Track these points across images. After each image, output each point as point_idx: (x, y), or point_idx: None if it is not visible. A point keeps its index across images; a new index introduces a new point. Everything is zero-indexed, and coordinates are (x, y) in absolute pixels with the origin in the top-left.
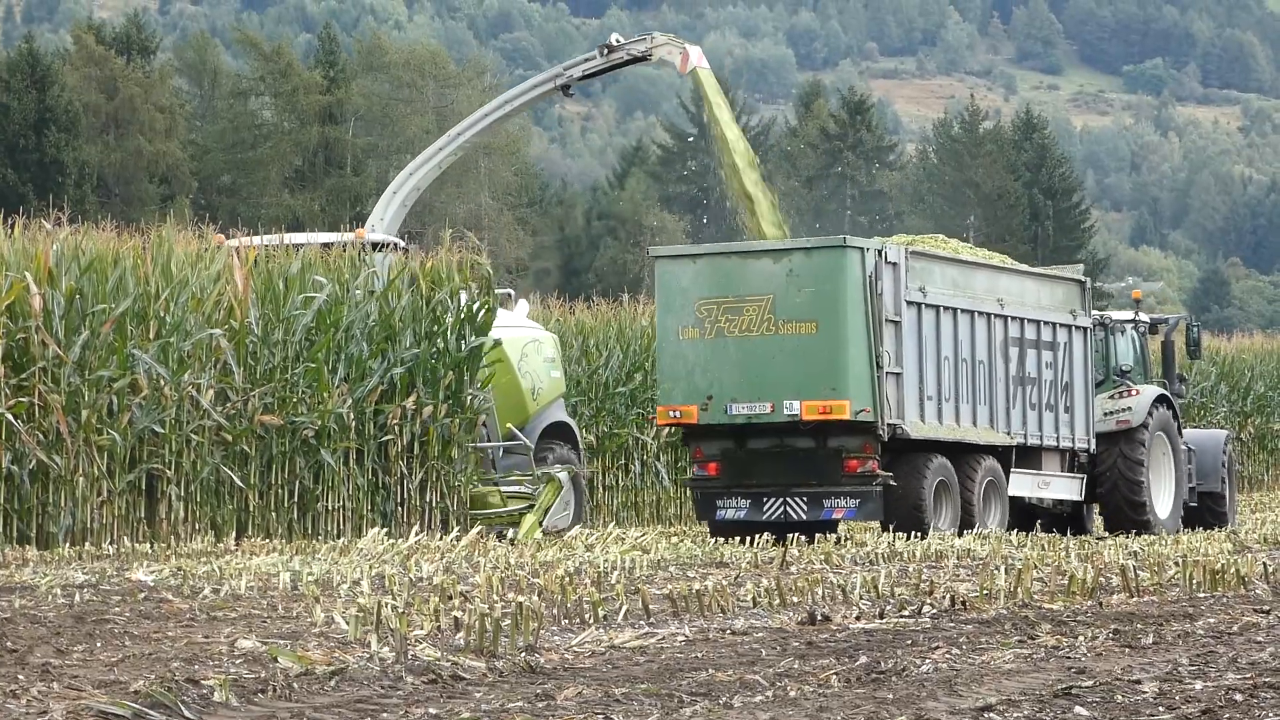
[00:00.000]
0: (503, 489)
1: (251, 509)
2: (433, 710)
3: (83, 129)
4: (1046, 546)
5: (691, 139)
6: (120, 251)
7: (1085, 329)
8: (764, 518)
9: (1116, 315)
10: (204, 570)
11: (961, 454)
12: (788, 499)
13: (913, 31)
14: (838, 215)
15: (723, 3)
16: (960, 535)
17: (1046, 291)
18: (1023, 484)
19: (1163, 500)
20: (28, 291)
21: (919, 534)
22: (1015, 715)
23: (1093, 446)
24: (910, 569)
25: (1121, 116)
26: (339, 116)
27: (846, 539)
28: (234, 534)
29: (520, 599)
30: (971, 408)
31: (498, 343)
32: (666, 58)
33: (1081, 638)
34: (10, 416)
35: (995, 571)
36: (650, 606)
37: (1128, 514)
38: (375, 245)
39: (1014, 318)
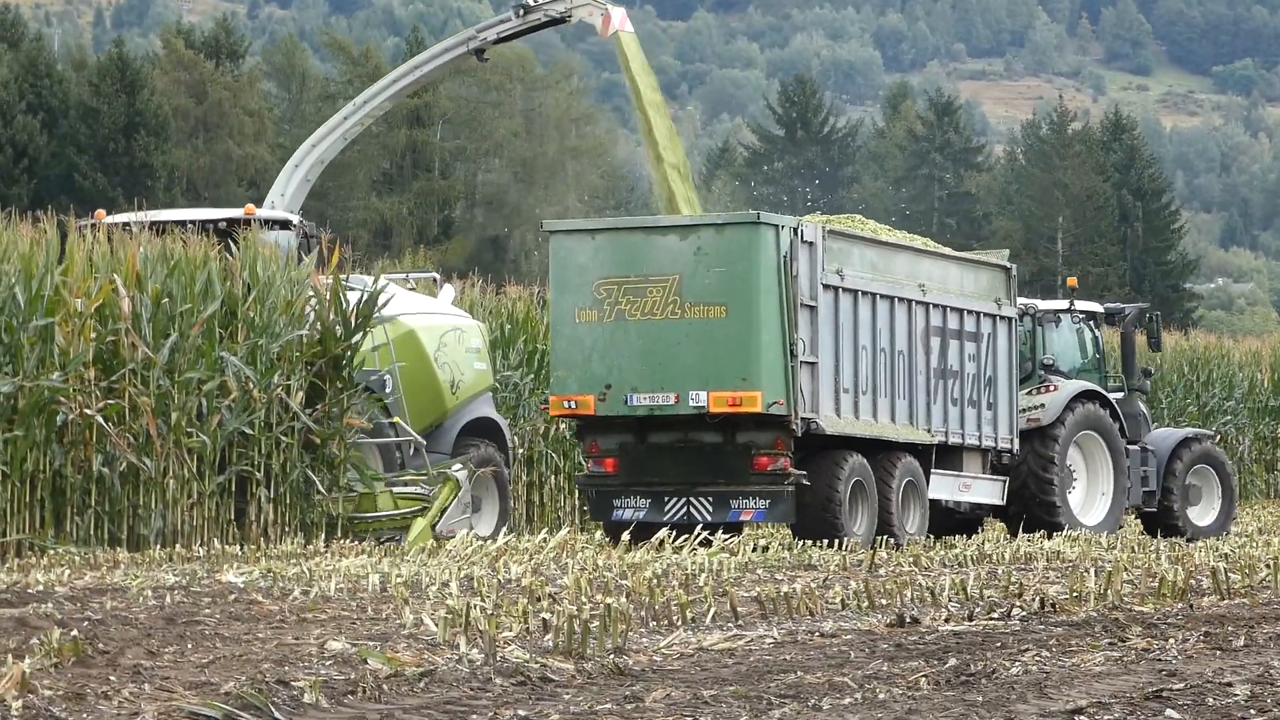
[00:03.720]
0: (396, 490)
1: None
2: (521, 712)
3: (172, 133)
4: (1137, 548)
5: (779, 140)
6: (207, 253)
7: (1010, 319)
8: (665, 519)
9: (1045, 305)
10: (294, 572)
11: (879, 452)
12: (691, 499)
13: (1001, 32)
14: (925, 217)
15: (810, 4)
16: (876, 541)
17: (970, 278)
18: (943, 486)
19: (1095, 505)
20: (116, 294)
21: (831, 540)
22: (1105, 718)
23: (1016, 447)
24: (999, 571)
25: (1211, 117)
26: (427, 120)
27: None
28: (323, 536)
29: (608, 601)
30: (890, 402)
31: (410, 331)
32: (586, 19)
33: (1172, 640)
34: (101, 419)
35: (1085, 574)
36: (738, 609)
37: (1040, 516)
38: (268, 223)
39: (936, 305)
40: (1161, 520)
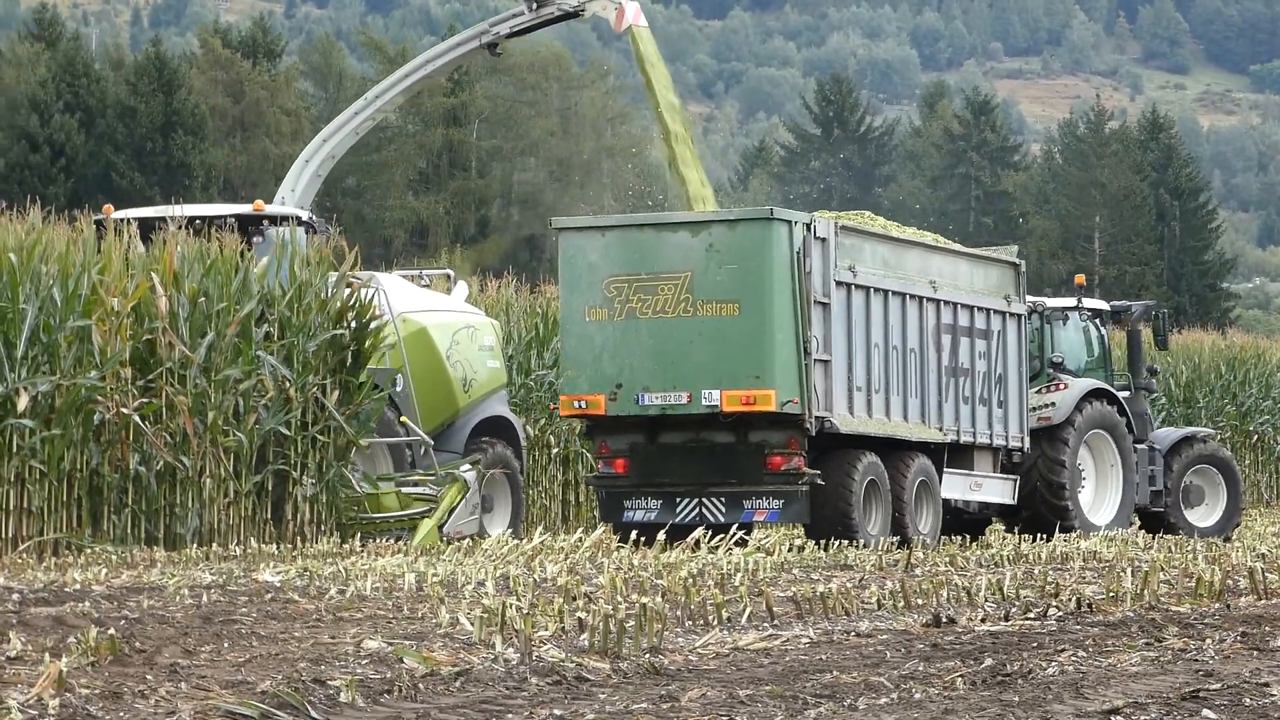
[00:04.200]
0: (404, 490)
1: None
2: (557, 711)
3: (209, 132)
4: (1173, 548)
5: (815, 139)
6: (243, 252)
7: (1020, 316)
8: (676, 520)
9: (1053, 302)
10: (330, 571)
11: (892, 452)
12: (703, 499)
13: (1038, 31)
14: (962, 216)
15: (846, 3)
16: (892, 541)
17: (980, 274)
18: (955, 485)
19: (1104, 504)
20: (153, 293)
21: (845, 540)
22: (1142, 718)
23: (1026, 445)
24: (1036, 571)
25: (1249, 116)
26: (463, 119)
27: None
28: (358, 535)
29: (644, 600)
30: (902, 400)
31: (422, 329)
32: (600, 13)
33: (1209, 640)
34: (138, 418)
35: (1122, 574)
36: (774, 608)
37: (1050, 517)
38: (274, 219)
39: (947, 302)
40: (1162, 520)
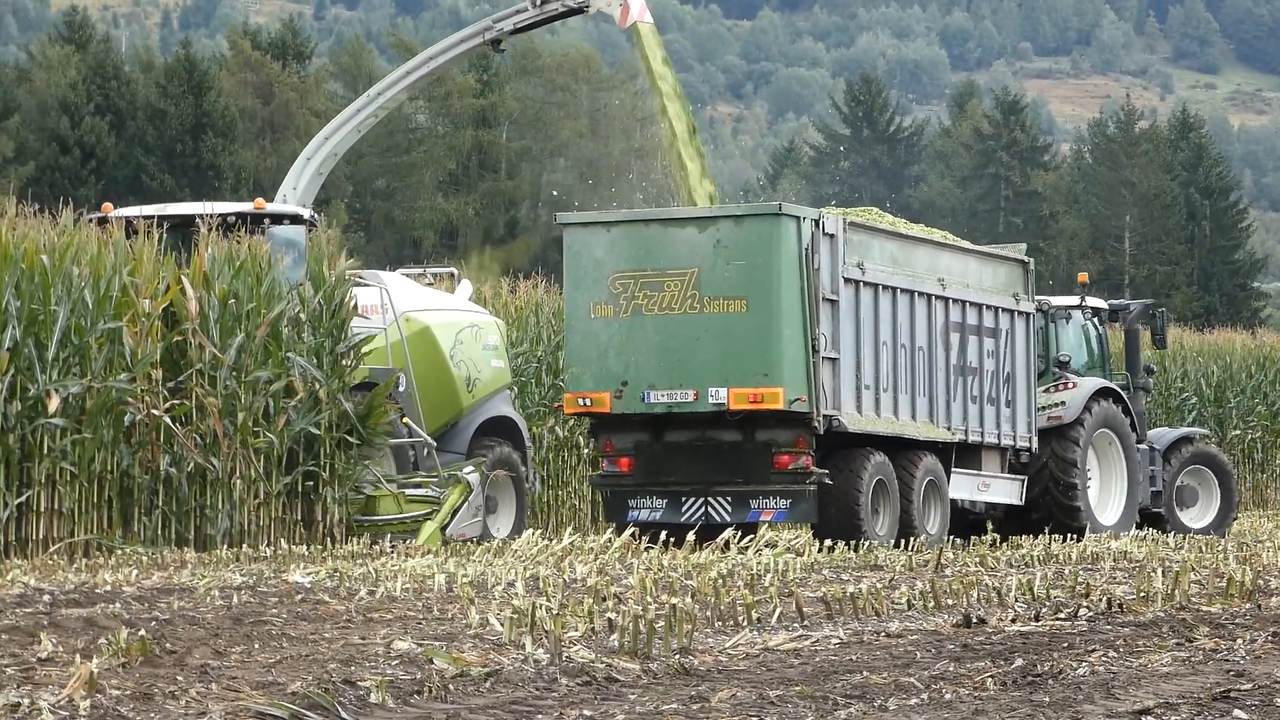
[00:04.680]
0: (407, 493)
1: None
2: (587, 712)
3: (239, 134)
4: (1204, 549)
5: (845, 139)
6: (272, 254)
7: (1028, 315)
8: (682, 520)
9: (1058, 301)
10: (360, 572)
11: (900, 451)
12: (710, 499)
13: (1067, 31)
14: (992, 216)
15: (875, 3)
16: (899, 543)
17: (989, 272)
18: (963, 485)
19: (1110, 504)
20: (184, 295)
21: (853, 541)
22: (1173, 719)
23: (1034, 445)
24: (1066, 571)
25: (1279, 115)
26: (493, 120)
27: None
28: (387, 536)
29: (674, 601)
30: (911, 399)
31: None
32: (605, 9)
33: (1240, 640)
34: (168, 419)
35: (1152, 574)
36: (804, 609)
37: (1060, 518)
38: (275, 218)
39: (955, 300)
40: (1161, 521)
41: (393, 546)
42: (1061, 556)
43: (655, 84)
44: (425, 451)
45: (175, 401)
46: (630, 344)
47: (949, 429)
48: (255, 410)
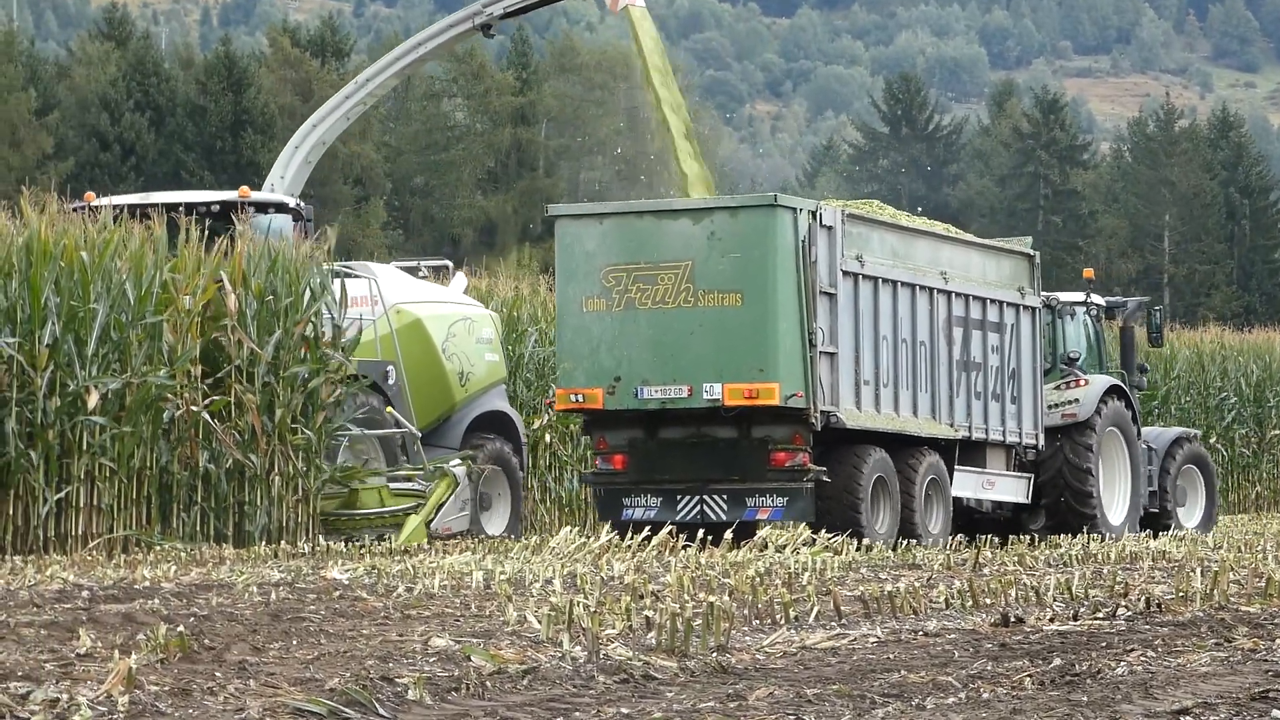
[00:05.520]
0: (391, 487)
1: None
2: (624, 710)
3: (278, 130)
4: (1243, 548)
5: (883, 137)
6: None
7: (1034, 309)
8: (677, 518)
9: (1065, 296)
10: (398, 569)
11: (901, 448)
12: (705, 497)
13: (1107, 30)
14: (1031, 215)
15: (915, 1)
16: (900, 541)
17: (993, 265)
18: (966, 483)
19: (1116, 503)
20: (222, 292)
21: (852, 539)
22: (1211, 719)
23: (1041, 442)
24: (1104, 571)
25: None
26: (531, 118)
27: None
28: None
29: (711, 599)
30: (912, 395)
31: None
32: None
33: (1279, 640)
34: (207, 415)
35: (1191, 573)
36: (842, 607)
37: (1074, 517)
38: (260, 206)
39: (958, 294)
40: (1157, 519)
41: (429, 542)
42: (1100, 556)
43: (646, 69)
44: (412, 444)
45: (214, 398)
46: (623, 339)
47: (952, 426)
48: (294, 407)
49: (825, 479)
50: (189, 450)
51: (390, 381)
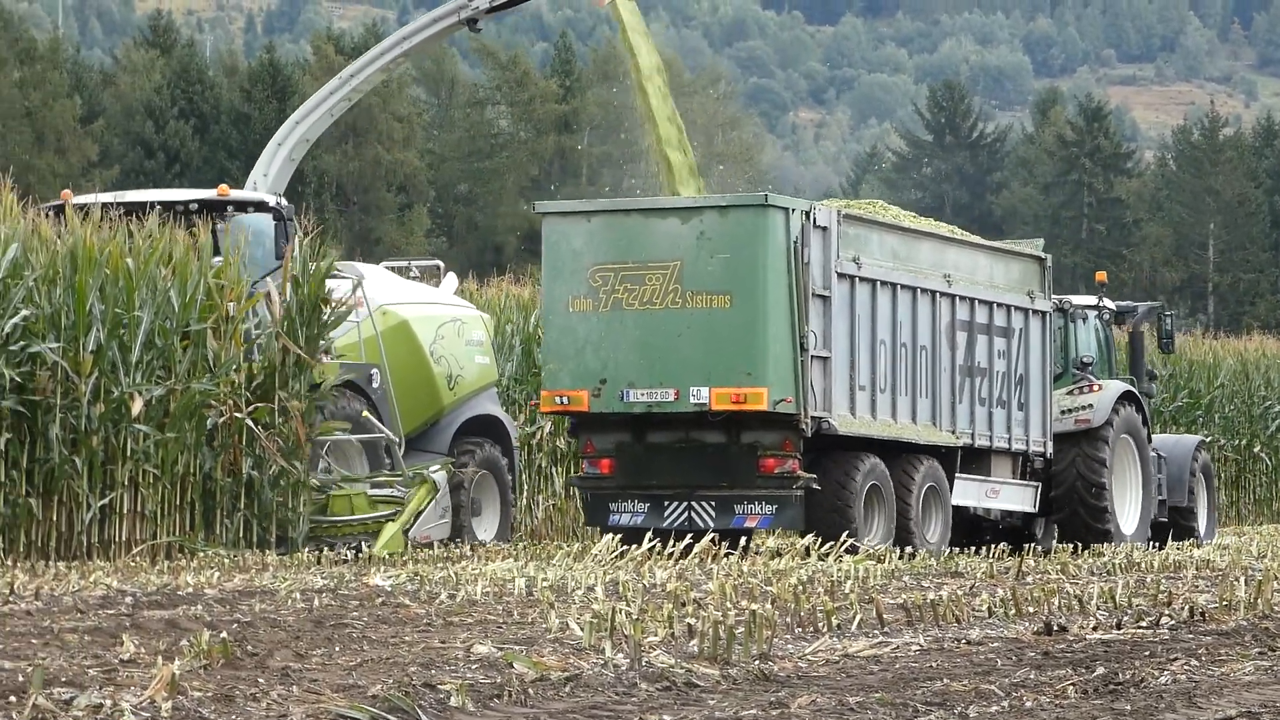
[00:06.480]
0: (370, 493)
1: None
2: (666, 717)
3: (322, 138)
4: None
5: (927, 145)
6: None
7: (1044, 314)
8: (665, 524)
9: (1078, 300)
10: (440, 576)
11: (898, 455)
12: (693, 503)
13: (1151, 38)
14: (1075, 223)
15: (959, 9)
16: (895, 550)
17: (1001, 268)
18: (969, 492)
19: (1128, 512)
20: (269, 298)
21: (845, 548)
22: None
23: (1049, 451)
24: (1148, 579)
25: None
26: (574, 125)
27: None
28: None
29: (754, 607)
30: (911, 401)
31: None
32: None
33: None
34: (250, 422)
35: (1235, 582)
36: (884, 616)
37: (1087, 525)
38: (239, 205)
39: (963, 297)
40: (1176, 526)
41: (471, 549)
42: (1144, 565)
43: (635, 64)
44: (393, 449)
45: (258, 405)
46: (609, 340)
47: (953, 432)
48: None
49: (816, 486)
50: (233, 456)
51: (374, 385)
